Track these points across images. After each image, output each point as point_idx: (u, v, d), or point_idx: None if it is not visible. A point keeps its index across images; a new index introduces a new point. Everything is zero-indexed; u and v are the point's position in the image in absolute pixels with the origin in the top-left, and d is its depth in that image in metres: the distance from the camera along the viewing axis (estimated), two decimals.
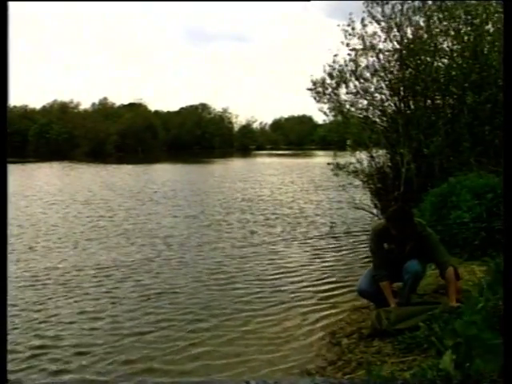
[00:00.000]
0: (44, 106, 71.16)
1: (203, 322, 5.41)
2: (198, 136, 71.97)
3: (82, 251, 8.90)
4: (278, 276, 7.21)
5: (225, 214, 13.08)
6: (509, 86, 2.11)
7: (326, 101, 11.24)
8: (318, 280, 6.96)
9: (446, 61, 10.35)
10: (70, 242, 9.65)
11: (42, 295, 6.40)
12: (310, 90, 11.29)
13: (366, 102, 11.02)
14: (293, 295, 6.28)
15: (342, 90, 11.03)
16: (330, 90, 11.07)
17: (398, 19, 10.47)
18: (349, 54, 10.76)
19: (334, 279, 6.98)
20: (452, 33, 10.20)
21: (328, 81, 11.06)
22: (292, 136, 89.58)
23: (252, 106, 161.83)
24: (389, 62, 10.59)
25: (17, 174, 27.81)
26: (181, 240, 9.77)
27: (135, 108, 70.71)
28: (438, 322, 3.46)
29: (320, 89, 11.14)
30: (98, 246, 9.33)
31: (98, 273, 7.42)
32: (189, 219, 12.29)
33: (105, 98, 73.84)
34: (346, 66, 10.82)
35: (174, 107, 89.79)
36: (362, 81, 10.81)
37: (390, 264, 4.71)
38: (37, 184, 21.99)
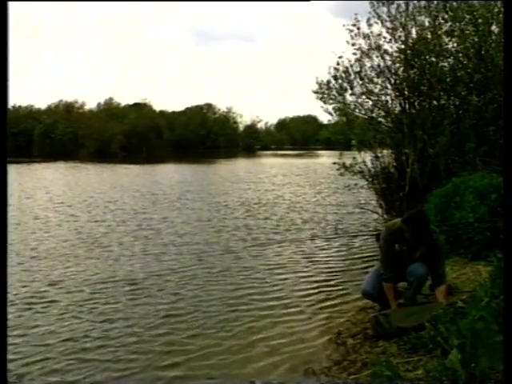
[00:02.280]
0: (49, 106, 71.40)
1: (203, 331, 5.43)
2: (202, 136, 72.00)
3: (96, 262, 8.18)
4: (282, 276, 7.23)
5: (243, 218, 12.56)
6: (509, 85, 2.12)
7: (331, 102, 11.28)
8: (323, 280, 6.97)
9: (451, 61, 10.35)
10: (83, 250, 9.05)
11: (54, 314, 5.73)
12: (316, 92, 11.32)
13: (370, 103, 11.05)
14: (297, 295, 6.29)
15: (347, 91, 11.07)
16: (334, 91, 11.11)
17: (403, 19, 10.50)
18: (354, 54, 10.80)
19: (338, 280, 6.99)
20: (457, 33, 10.20)
21: (333, 82, 11.10)
22: (297, 136, 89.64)
23: (257, 106, 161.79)
24: (394, 62, 10.61)
25: (24, 174, 27.84)
26: (202, 248, 9.08)
27: (140, 108, 70.86)
28: (443, 322, 3.47)
29: (325, 90, 11.18)
30: (114, 255, 8.64)
31: (111, 288, 6.70)
32: (207, 224, 11.72)
33: (110, 98, 74.13)
34: (352, 66, 10.86)
35: (178, 107, 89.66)
36: (367, 81, 10.84)
37: (398, 264, 4.72)
38: (46, 186, 21.56)
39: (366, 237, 9.68)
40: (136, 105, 73.45)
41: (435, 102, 10.50)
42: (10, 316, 5.43)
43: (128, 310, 5.83)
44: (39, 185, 21.90)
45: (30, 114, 67.07)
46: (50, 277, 7.28)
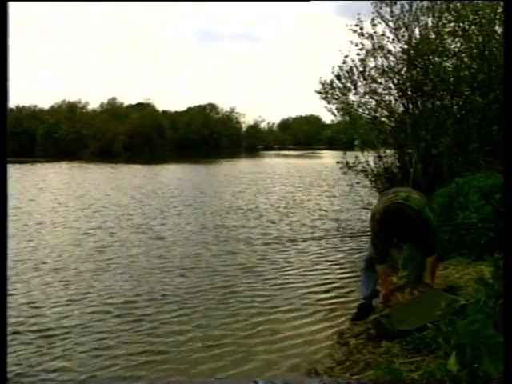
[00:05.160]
0: (52, 106, 71.34)
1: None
2: (205, 136, 71.96)
3: (100, 275, 7.55)
4: (284, 277, 7.24)
5: (266, 226, 11.75)
6: (509, 85, 2.11)
7: (334, 101, 11.28)
8: (325, 280, 6.97)
9: (454, 61, 10.34)
10: (90, 262, 8.39)
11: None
12: (319, 92, 11.33)
13: (374, 103, 11.04)
14: (300, 295, 6.30)
15: (351, 91, 11.07)
16: (338, 90, 11.11)
17: (406, 19, 10.49)
18: (358, 54, 10.79)
19: (340, 280, 6.99)
20: (460, 33, 10.19)
21: (336, 82, 11.10)
22: (300, 136, 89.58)
23: (260, 106, 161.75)
24: (397, 62, 10.60)
25: (27, 175, 27.77)
26: (222, 261, 8.43)
27: (143, 108, 70.80)
28: (445, 322, 3.46)
29: (329, 90, 11.18)
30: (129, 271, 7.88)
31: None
32: (224, 230, 11.21)
33: (113, 98, 73.92)
34: (355, 66, 10.86)
35: (181, 107, 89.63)
36: (370, 81, 10.84)
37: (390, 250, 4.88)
38: (48, 188, 21.16)
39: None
40: (139, 105, 73.44)
41: (438, 102, 10.48)
42: None
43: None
44: (43, 186, 21.63)
45: (33, 113, 67.05)
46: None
